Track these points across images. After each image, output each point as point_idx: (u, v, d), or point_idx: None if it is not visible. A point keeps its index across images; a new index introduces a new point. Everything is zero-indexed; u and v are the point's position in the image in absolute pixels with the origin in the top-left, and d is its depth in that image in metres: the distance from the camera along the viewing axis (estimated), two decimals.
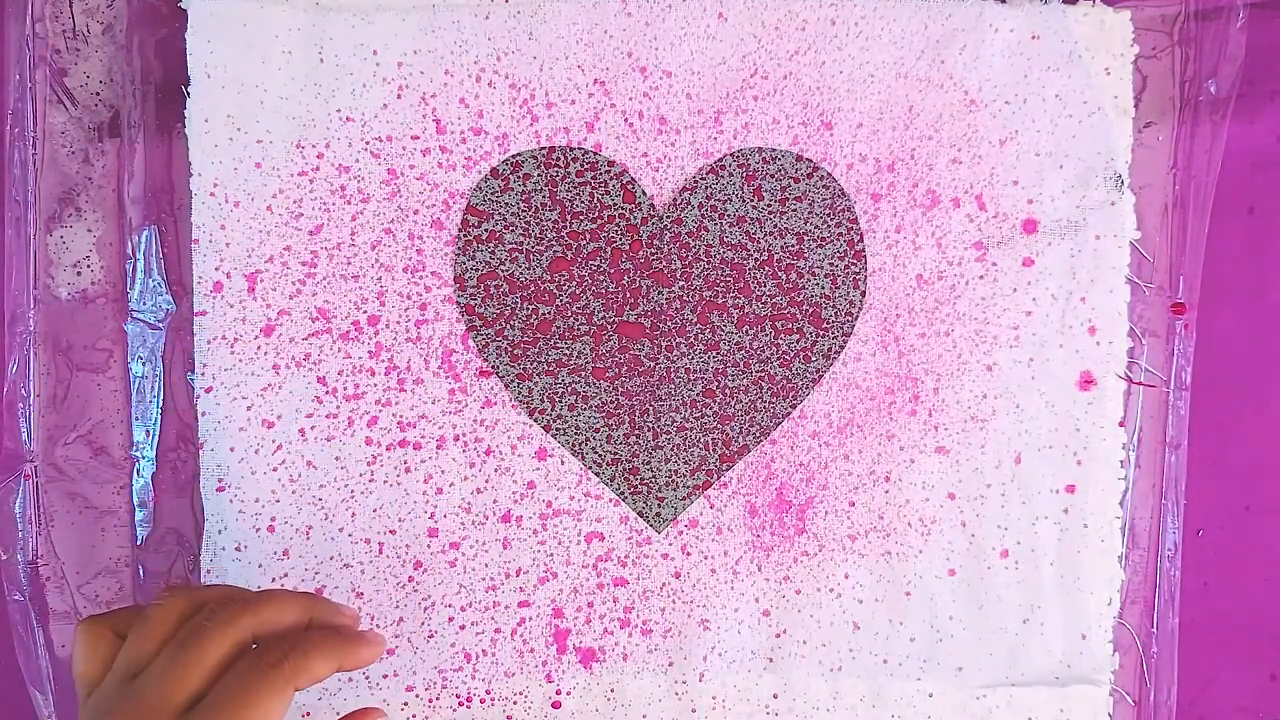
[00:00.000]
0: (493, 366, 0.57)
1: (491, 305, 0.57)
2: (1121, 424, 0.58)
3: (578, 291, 0.57)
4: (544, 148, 0.57)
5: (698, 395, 0.57)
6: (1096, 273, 0.58)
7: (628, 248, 0.57)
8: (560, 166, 0.57)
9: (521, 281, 0.57)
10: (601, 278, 0.57)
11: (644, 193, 0.57)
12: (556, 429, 0.57)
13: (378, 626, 0.57)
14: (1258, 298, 0.60)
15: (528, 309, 0.57)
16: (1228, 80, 0.57)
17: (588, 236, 0.57)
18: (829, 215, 0.57)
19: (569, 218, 0.57)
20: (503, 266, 0.57)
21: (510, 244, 0.57)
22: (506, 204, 0.57)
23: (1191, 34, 0.58)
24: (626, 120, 0.57)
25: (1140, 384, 0.58)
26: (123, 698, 0.44)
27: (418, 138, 0.57)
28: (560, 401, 0.57)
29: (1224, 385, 0.59)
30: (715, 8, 0.56)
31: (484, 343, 0.57)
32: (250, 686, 0.44)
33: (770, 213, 0.57)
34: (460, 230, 0.57)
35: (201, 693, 0.44)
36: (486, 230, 0.57)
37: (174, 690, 0.43)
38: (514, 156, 0.57)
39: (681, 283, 0.57)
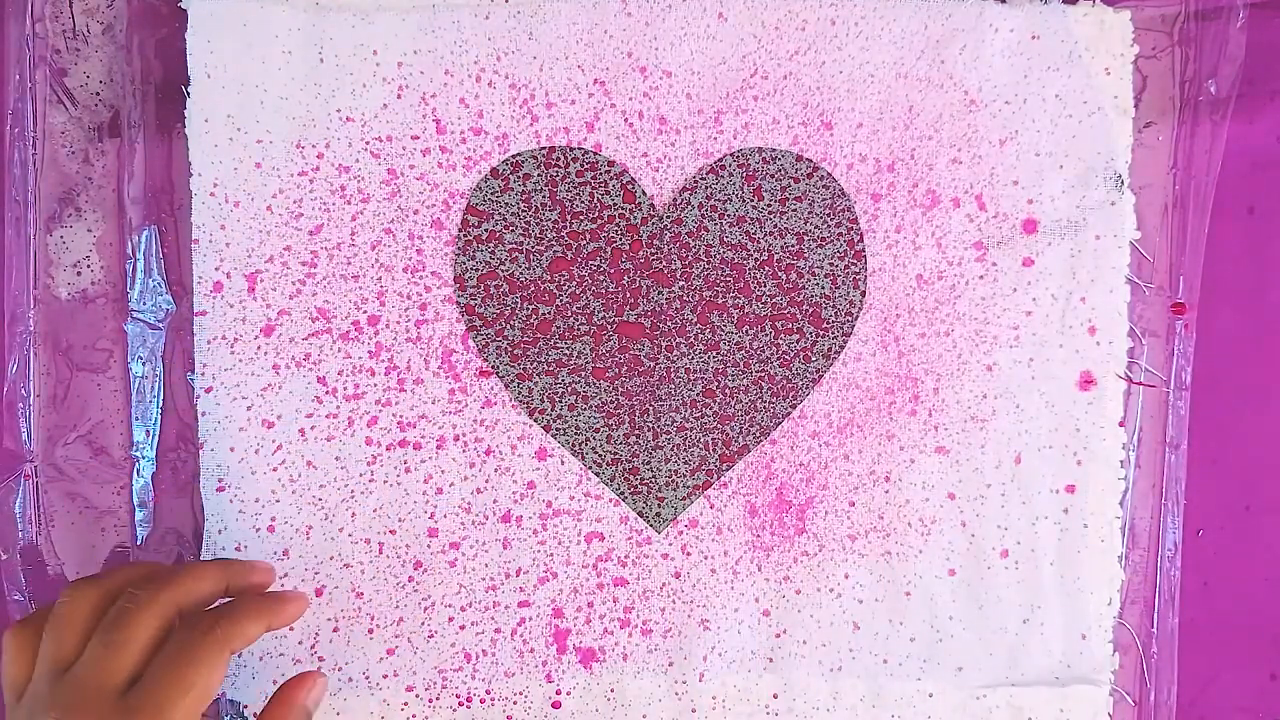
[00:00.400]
0: (493, 366, 0.57)
1: (491, 305, 0.57)
2: (1121, 424, 0.58)
3: (578, 291, 0.57)
4: (544, 148, 0.57)
5: (698, 395, 0.57)
6: (1096, 273, 0.58)
7: (628, 248, 0.57)
8: (560, 166, 0.57)
9: (521, 281, 0.57)
10: (601, 278, 0.57)
11: (644, 193, 0.57)
12: (556, 429, 0.57)
13: (378, 626, 0.57)
14: (1258, 298, 0.60)
15: (528, 309, 0.57)
16: (1228, 80, 0.57)
17: (588, 236, 0.57)
18: (829, 215, 0.57)
19: (569, 218, 0.57)
20: (503, 266, 0.57)
21: (510, 244, 0.57)
22: (506, 204, 0.57)
23: (1191, 34, 0.58)
24: (626, 120, 0.57)
25: (1140, 384, 0.58)
26: (58, 691, 0.45)
27: (418, 138, 0.57)
28: (560, 401, 0.57)
29: (1224, 385, 0.59)
30: (715, 8, 0.56)
31: (484, 343, 0.57)
32: (187, 657, 0.45)
33: (770, 213, 0.57)
34: (460, 230, 0.57)
35: (137, 672, 0.45)
36: (486, 230, 0.57)
37: (111, 673, 0.45)
38: (514, 156, 0.57)
39: (681, 283, 0.57)
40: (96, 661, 0.45)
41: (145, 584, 0.47)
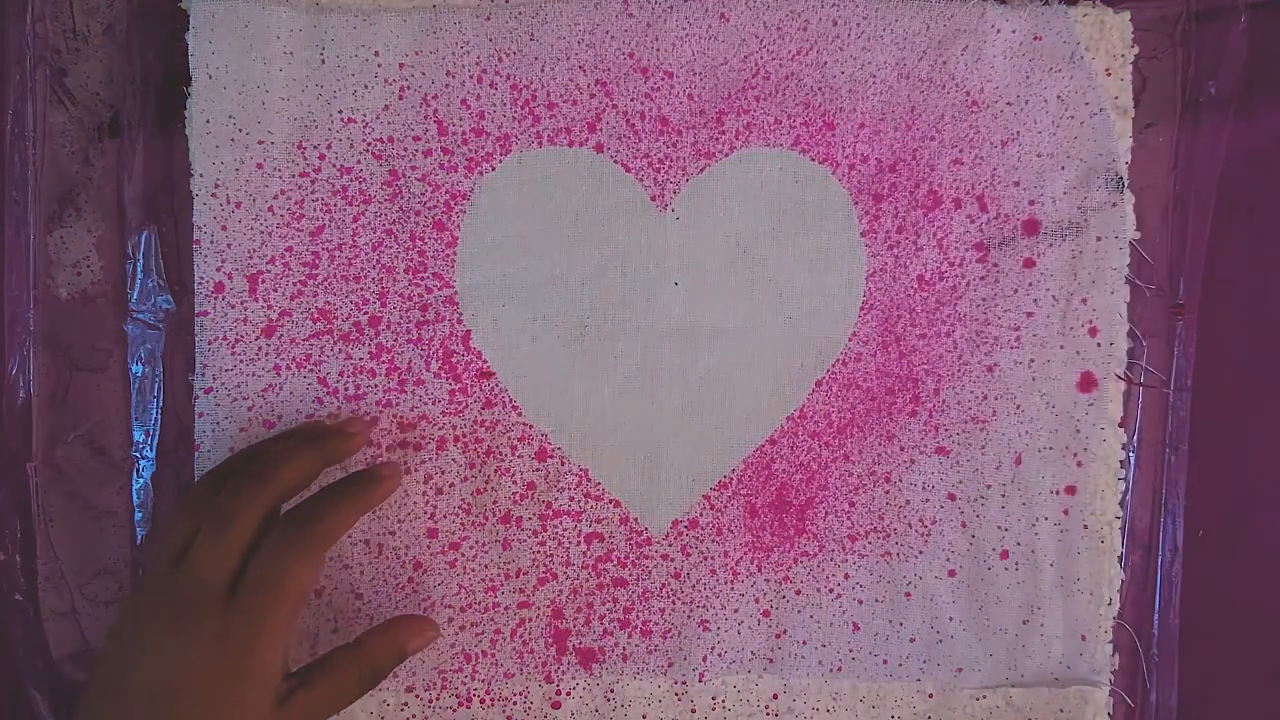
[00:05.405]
0: (499, 363, 0.57)
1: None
2: (1122, 425, 0.58)
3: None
4: (546, 148, 0.57)
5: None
6: (1097, 274, 0.58)
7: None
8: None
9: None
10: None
11: (646, 193, 0.57)
12: (558, 426, 0.57)
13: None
14: (1258, 298, 0.60)
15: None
16: (1228, 81, 0.57)
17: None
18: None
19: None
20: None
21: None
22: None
23: (1192, 35, 0.58)
24: (628, 121, 0.57)
25: (1140, 385, 0.58)
26: (173, 584, 0.47)
27: (419, 139, 0.57)
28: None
29: (1224, 385, 0.59)
30: (717, 8, 0.56)
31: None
32: (283, 561, 0.48)
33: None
34: (468, 217, 0.57)
35: (242, 565, 0.48)
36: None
37: (217, 569, 0.47)
38: (519, 155, 0.57)
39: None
40: (204, 557, 0.47)
41: (246, 477, 0.49)
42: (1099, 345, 0.58)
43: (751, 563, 0.58)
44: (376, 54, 0.56)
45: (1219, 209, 0.58)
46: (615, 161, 0.57)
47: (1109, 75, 0.57)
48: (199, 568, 0.47)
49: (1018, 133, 0.57)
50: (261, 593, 0.47)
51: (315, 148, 0.56)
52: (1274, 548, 0.60)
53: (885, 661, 0.58)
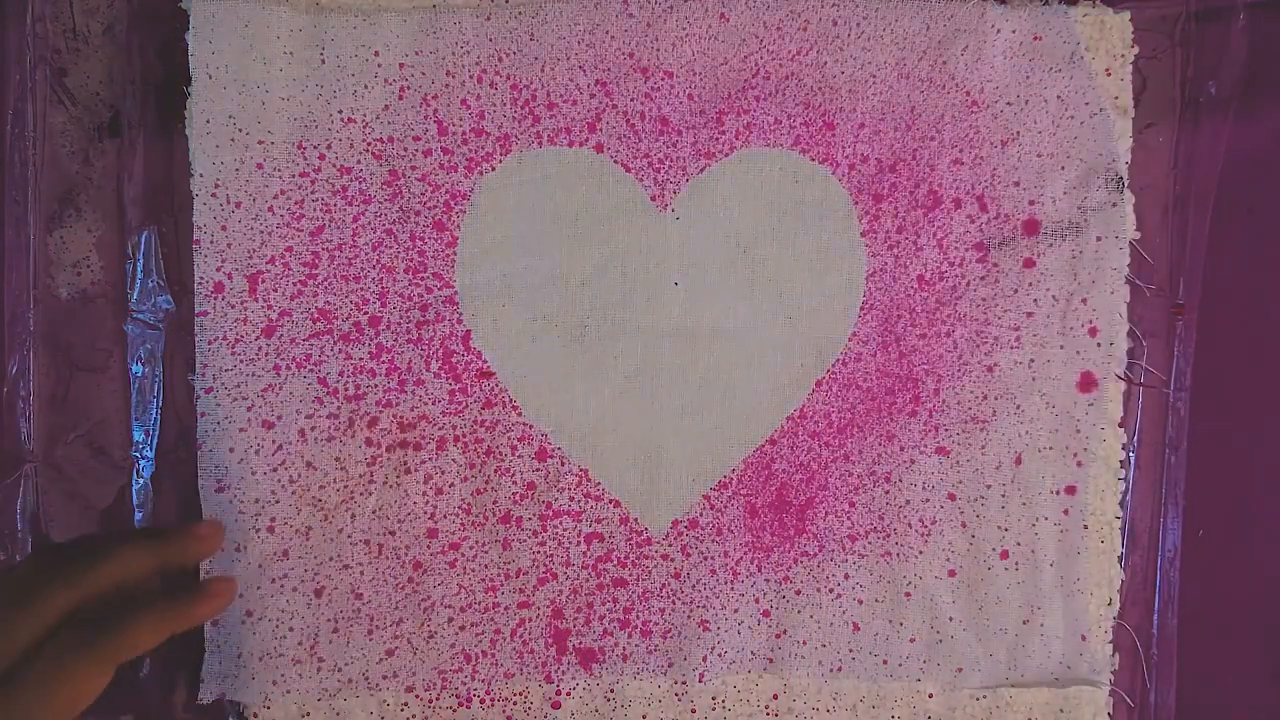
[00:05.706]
0: (499, 362, 0.57)
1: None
2: (1122, 425, 0.58)
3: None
4: (546, 148, 0.57)
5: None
6: (1097, 274, 0.58)
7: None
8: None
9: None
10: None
11: (646, 193, 0.57)
12: (558, 427, 0.57)
13: (377, 627, 0.57)
14: (1258, 298, 0.60)
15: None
16: (1228, 81, 0.57)
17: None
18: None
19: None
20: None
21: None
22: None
23: (1192, 35, 0.58)
24: (628, 121, 0.57)
25: (1140, 385, 0.58)
26: None
27: (419, 139, 0.57)
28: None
29: (1224, 385, 0.59)
30: (717, 8, 0.56)
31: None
32: (63, 666, 0.43)
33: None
34: (468, 217, 0.57)
35: (24, 661, 0.43)
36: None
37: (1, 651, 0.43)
38: (519, 155, 0.57)
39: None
40: None
41: (64, 559, 0.45)
42: (1099, 345, 0.58)
43: (751, 563, 0.58)
44: (376, 54, 0.56)
45: (1219, 209, 0.58)
46: (615, 161, 0.57)
47: (1109, 75, 0.57)
48: None
49: (1018, 133, 0.57)
50: (31, 692, 0.42)
51: (315, 148, 0.56)
52: (1274, 548, 0.60)
53: (885, 661, 0.58)
